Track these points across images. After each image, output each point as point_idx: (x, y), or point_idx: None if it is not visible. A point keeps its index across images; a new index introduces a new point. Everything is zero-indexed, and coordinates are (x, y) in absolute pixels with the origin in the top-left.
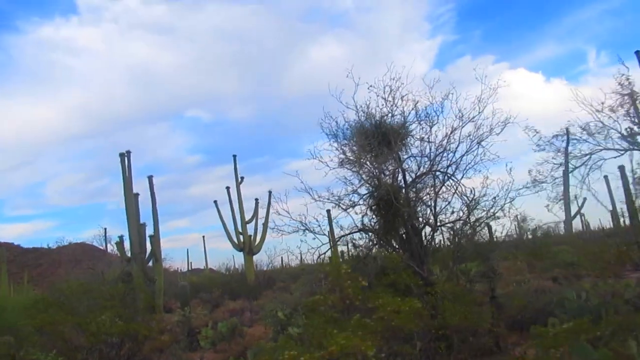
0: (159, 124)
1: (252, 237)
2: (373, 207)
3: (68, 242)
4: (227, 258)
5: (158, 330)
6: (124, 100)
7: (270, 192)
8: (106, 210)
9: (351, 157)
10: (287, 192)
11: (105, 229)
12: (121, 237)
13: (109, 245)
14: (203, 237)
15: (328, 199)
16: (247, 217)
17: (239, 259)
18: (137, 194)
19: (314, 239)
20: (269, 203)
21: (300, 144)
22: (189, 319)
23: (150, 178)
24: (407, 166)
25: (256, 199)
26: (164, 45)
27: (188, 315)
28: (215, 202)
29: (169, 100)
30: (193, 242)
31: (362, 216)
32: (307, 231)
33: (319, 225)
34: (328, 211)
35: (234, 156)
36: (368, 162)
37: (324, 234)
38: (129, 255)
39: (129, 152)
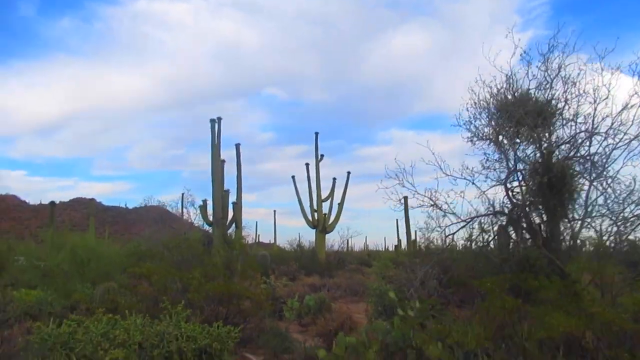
0: (238, 100)
1: (326, 216)
2: (533, 188)
3: (144, 204)
4: (293, 235)
5: (257, 295)
6: (207, 75)
7: (348, 173)
8: (181, 177)
9: (490, 132)
10: (413, 163)
11: (182, 194)
12: (204, 201)
13: (185, 210)
14: (274, 211)
15: (462, 176)
16: (323, 196)
17: (305, 236)
18: (224, 161)
19: (444, 216)
20: (347, 184)
21: (372, 132)
22: (274, 288)
23: (237, 146)
24: (556, 147)
25: (334, 178)
26: (249, 23)
27: (273, 284)
28: (292, 177)
29: (249, 77)
30: (259, 216)
31: (506, 195)
32: (435, 207)
33: (447, 203)
34: (405, 197)
35: (316, 133)
36: (520, 138)
37: (453, 213)
38: (211, 219)
39: (219, 119)
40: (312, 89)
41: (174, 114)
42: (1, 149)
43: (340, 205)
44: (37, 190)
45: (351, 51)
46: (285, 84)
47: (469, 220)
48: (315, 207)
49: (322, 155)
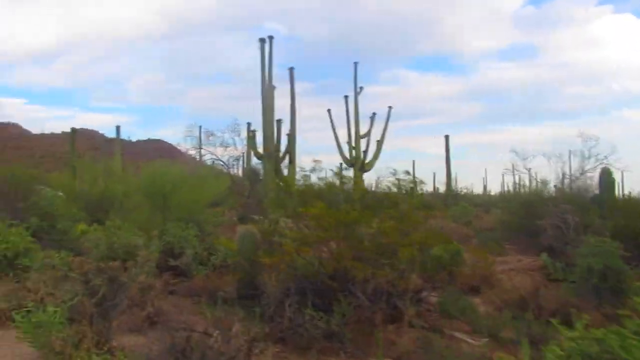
0: (237, 33)
1: (365, 153)
2: None
3: (147, 138)
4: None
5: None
6: (206, 5)
7: (390, 108)
8: (181, 113)
9: None
10: None
11: (200, 126)
12: (253, 132)
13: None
14: None
15: None
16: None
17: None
18: (274, 87)
19: None
20: (388, 119)
21: (373, 70)
22: None
23: (291, 70)
24: None
25: (373, 113)
26: None
27: None
28: (328, 110)
29: (249, 9)
30: None
31: None
32: None
33: None
34: (447, 136)
35: (355, 63)
36: None
37: None
38: (261, 151)
39: (270, 38)
40: (312, 23)
41: (172, 45)
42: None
43: (380, 142)
44: (38, 119)
45: None
46: (285, 18)
47: None
48: (353, 143)
49: (361, 88)
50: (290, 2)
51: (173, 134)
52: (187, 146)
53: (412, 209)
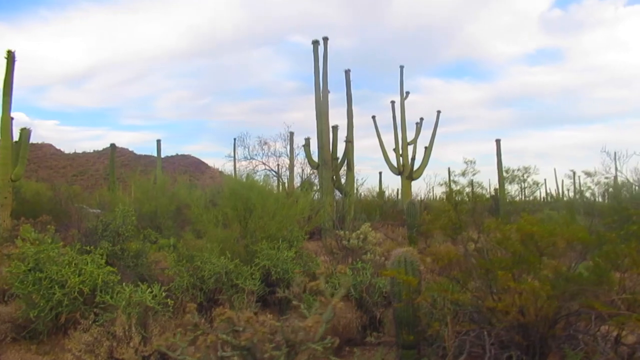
0: (263, 48)
1: (412, 161)
2: None
3: (175, 153)
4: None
5: None
6: (231, 23)
7: (438, 112)
8: (207, 127)
9: None
10: None
11: (235, 139)
12: (307, 140)
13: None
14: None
15: None
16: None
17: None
18: (329, 91)
19: None
20: (436, 124)
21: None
22: None
23: (347, 73)
24: None
25: (421, 118)
26: None
27: None
28: (373, 117)
29: (274, 24)
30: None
31: None
32: None
33: None
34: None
35: (401, 67)
36: None
37: None
38: (316, 160)
39: (325, 39)
40: (337, 36)
41: (199, 63)
42: (33, 98)
43: (429, 149)
44: (70, 139)
45: None
46: (309, 32)
47: None
48: (400, 151)
49: (407, 92)
50: (313, 18)
51: (201, 149)
52: (237, 157)
53: None
